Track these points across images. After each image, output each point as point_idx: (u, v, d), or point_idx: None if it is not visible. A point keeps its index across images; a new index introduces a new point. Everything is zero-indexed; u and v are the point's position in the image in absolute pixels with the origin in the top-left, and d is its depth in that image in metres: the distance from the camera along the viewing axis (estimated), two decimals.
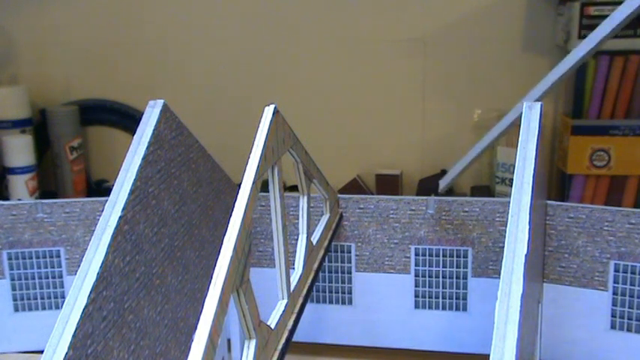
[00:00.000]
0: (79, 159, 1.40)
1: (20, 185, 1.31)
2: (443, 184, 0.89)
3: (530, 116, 0.75)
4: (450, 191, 1.34)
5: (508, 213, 0.64)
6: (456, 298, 0.93)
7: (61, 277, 0.95)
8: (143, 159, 0.69)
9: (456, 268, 0.92)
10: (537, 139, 0.73)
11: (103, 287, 0.60)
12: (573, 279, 0.86)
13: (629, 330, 0.84)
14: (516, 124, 0.78)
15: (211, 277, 0.51)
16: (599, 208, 0.84)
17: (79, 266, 0.60)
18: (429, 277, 0.93)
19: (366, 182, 1.36)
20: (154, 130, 0.72)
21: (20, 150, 1.31)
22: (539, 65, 1.29)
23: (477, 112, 1.32)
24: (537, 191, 0.71)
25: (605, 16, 1.10)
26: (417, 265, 0.93)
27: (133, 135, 0.71)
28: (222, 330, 0.51)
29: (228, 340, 0.93)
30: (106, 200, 0.65)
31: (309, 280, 0.77)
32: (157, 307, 0.69)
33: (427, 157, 1.37)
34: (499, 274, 0.58)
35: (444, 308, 0.94)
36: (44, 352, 0.55)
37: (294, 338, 0.68)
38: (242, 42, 1.37)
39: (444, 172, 1.35)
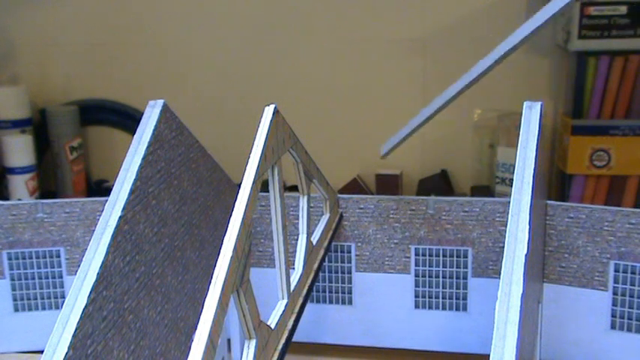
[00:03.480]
0: (79, 159, 1.40)
1: (20, 185, 1.31)
2: (387, 147, 0.86)
3: (530, 116, 0.75)
4: (449, 191, 1.34)
5: (508, 213, 0.64)
6: (456, 298, 0.93)
7: (61, 277, 0.95)
8: (143, 159, 0.69)
9: (456, 268, 0.92)
10: (537, 139, 0.73)
11: (103, 287, 0.60)
12: (573, 279, 0.86)
13: (629, 330, 0.84)
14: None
15: (211, 277, 0.51)
16: (599, 208, 0.84)
17: (79, 266, 0.60)
18: (429, 277, 0.93)
19: (366, 182, 1.36)
20: (154, 130, 0.72)
21: (20, 150, 1.31)
22: (539, 65, 1.29)
23: (476, 112, 1.32)
24: (537, 191, 0.71)
25: (605, 16, 1.10)
26: (417, 265, 0.93)
27: (133, 135, 0.71)
28: (222, 330, 0.51)
29: (228, 340, 0.93)
30: (106, 200, 0.65)
31: (309, 280, 0.77)
32: (157, 307, 0.69)
33: (427, 157, 1.37)
34: (499, 274, 0.58)
35: (444, 308, 0.94)
36: (44, 352, 0.55)
37: (294, 338, 0.68)
38: (242, 42, 1.37)
39: (444, 172, 1.35)
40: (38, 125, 1.40)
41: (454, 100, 1.34)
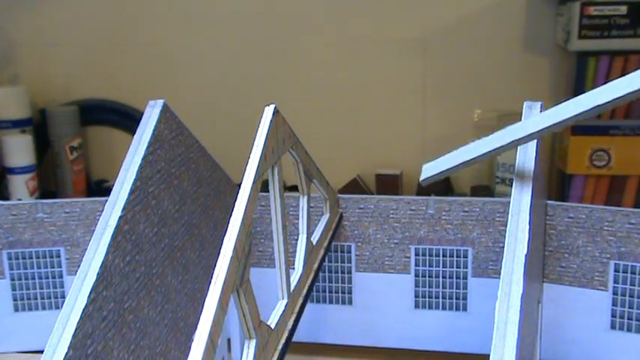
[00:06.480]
0: (79, 159, 1.40)
1: (20, 185, 1.31)
2: (427, 174, 0.77)
3: (530, 116, 0.75)
4: (449, 191, 1.34)
5: (508, 213, 0.64)
6: (456, 298, 0.93)
7: (61, 277, 0.95)
8: (143, 159, 0.69)
9: (456, 268, 0.92)
10: (537, 140, 0.73)
11: (103, 287, 0.60)
12: (573, 279, 0.86)
13: (629, 330, 0.84)
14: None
15: (211, 277, 0.51)
16: (599, 208, 0.84)
17: (79, 266, 0.60)
18: (429, 277, 0.93)
19: (366, 182, 1.36)
20: (154, 130, 0.72)
21: (20, 150, 1.31)
22: (539, 65, 1.29)
23: (477, 112, 1.32)
24: (537, 191, 0.71)
25: (605, 16, 1.10)
26: (417, 265, 0.93)
27: (133, 135, 0.71)
28: (222, 330, 0.51)
29: (228, 340, 0.93)
30: (106, 200, 0.65)
31: (309, 280, 0.77)
32: (157, 307, 0.69)
33: (427, 157, 1.36)
34: (499, 274, 0.58)
35: (444, 308, 0.94)
36: (44, 352, 0.55)
37: (294, 338, 0.68)
38: (242, 42, 1.37)
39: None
40: (38, 125, 1.40)
41: (456, 101, 1.34)
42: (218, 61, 1.40)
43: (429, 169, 0.74)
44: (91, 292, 0.58)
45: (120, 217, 0.64)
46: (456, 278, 0.93)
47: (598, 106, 0.62)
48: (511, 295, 0.55)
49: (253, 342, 0.58)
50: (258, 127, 0.64)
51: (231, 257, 0.53)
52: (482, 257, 0.91)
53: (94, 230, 0.63)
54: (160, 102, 0.75)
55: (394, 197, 0.93)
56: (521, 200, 0.65)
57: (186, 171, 0.79)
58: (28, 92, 1.37)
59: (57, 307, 0.95)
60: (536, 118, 0.68)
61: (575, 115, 0.64)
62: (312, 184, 0.83)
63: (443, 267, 0.93)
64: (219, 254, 0.53)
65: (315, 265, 0.80)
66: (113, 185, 0.67)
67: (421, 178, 0.75)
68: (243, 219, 0.56)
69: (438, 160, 0.73)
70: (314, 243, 0.81)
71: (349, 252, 0.95)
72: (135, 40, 1.41)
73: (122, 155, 0.69)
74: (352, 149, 1.39)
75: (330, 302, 0.97)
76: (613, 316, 0.85)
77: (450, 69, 1.33)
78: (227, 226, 0.55)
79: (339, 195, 0.94)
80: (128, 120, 1.42)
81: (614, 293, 0.84)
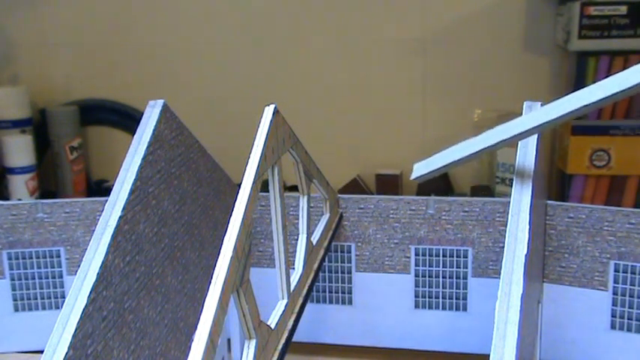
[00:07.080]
0: (79, 159, 1.40)
1: (20, 185, 1.31)
2: (419, 172, 0.78)
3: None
4: (449, 191, 1.34)
5: (508, 213, 0.64)
6: (456, 298, 0.93)
7: (61, 277, 0.95)
8: (143, 159, 0.69)
9: (456, 268, 0.92)
10: (537, 139, 0.74)
11: (103, 287, 0.60)
12: (573, 279, 0.86)
13: (629, 330, 0.84)
14: None
15: (211, 277, 0.51)
16: (599, 208, 0.84)
17: (79, 266, 0.60)
18: (429, 277, 0.93)
19: (366, 182, 1.36)
20: (154, 130, 0.72)
21: (20, 150, 1.31)
22: (539, 65, 1.29)
23: (476, 112, 1.32)
24: (537, 191, 0.71)
25: (605, 16, 1.10)
26: (417, 265, 0.93)
27: (133, 135, 0.71)
28: (222, 330, 0.51)
29: (228, 340, 0.93)
30: (106, 200, 0.65)
31: (309, 280, 0.77)
32: (157, 307, 0.69)
33: (427, 157, 1.37)
34: (499, 274, 0.59)
35: (444, 308, 0.94)
36: (44, 352, 0.55)
37: (294, 338, 0.68)
38: (242, 42, 1.37)
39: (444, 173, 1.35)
40: (38, 125, 1.40)
41: (456, 101, 1.34)
42: (218, 61, 1.39)
43: (421, 168, 0.75)
44: (91, 292, 0.58)
45: (120, 217, 0.64)
46: (456, 278, 0.93)
47: (597, 100, 0.62)
48: (511, 295, 0.55)
49: (253, 342, 0.58)
50: (258, 127, 0.64)
51: (231, 257, 0.53)
52: (482, 257, 0.91)
53: (94, 230, 0.63)
54: (160, 102, 0.75)
55: (394, 197, 0.93)
56: (521, 200, 0.65)
57: (186, 171, 0.79)
58: (28, 92, 1.37)
59: (57, 307, 0.95)
60: (534, 113, 0.68)
61: (574, 111, 0.64)
62: (312, 184, 0.83)
63: (443, 267, 0.93)
64: (219, 254, 0.53)
65: (315, 265, 0.80)
66: (113, 185, 0.67)
67: (412, 177, 0.76)
68: (243, 219, 0.56)
69: (429, 159, 0.74)
70: (314, 243, 0.81)
71: (349, 252, 0.95)
72: (135, 40, 1.41)
73: (122, 155, 0.69)
74: (352, 149, 1.39)
75: (330, 302, 0.97)
76: (613, 316, 0.85)
77: (450, 69, 1.33)
78: (227, 226, 0.55)
79: (339, 195, 0.94)
80: (128, 120, 1.42)
81: (614, 293, 0.84)
